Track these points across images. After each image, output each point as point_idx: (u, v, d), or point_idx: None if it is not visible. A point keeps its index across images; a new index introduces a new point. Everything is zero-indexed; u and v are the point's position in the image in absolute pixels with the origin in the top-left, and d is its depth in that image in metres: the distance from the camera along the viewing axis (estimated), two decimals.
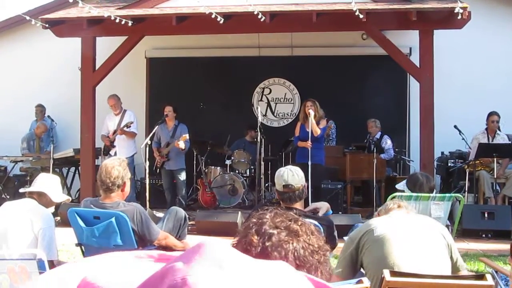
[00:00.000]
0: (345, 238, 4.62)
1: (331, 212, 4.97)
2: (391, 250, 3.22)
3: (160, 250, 5.01)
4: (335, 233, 4.53)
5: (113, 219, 4.63)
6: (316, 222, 4.26)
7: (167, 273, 1.17)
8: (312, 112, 9.22)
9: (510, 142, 10.40)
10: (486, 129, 10.42)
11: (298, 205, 4.47)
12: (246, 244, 1.71)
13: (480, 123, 10.53)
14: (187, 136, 10.17)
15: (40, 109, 12.48)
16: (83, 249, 5.02)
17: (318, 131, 9.29)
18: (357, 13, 8.70)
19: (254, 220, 1.80)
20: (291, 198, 4.42)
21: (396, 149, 11.16)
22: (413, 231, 3.33)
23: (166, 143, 10.51)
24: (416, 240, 3.28)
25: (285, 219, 1.80)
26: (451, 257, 3.33)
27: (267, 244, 1.70)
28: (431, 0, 9.82)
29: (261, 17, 9.01)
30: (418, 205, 4.76)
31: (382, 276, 2.88)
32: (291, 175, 4.41)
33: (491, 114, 10.37)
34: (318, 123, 9.41)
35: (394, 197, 4.90)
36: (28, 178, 10.87)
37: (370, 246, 3.35)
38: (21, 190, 5.29)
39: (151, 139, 9.97)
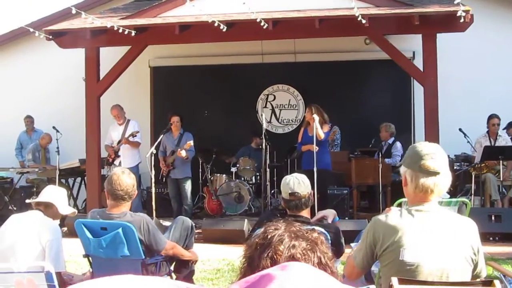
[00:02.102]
0: (352, 244, 4.62)
1: (337, 218, 4.97)
2: (414, 276, 2.95)
3: (168, 259, 5.05)
4: (342, 239, 4.53)
5: (120, 230, 4.62)
6: (323, 230, 4.26)
7: (262, 280, 1.33)
8: (316, 117, 9.21)
9: None
10: (488, 132, 10.41)
11: (305, 213, 4.48)
12: (272, 253, 1.74)
13: (485, 126, 10.53)
14: (191, 142, 10.16)
15: (30, 120, 12.57)
16: (91, 260, 5.02)
17: (322, 135, 9.28)
18: (359, 18, 8.69)
19: (271, 230, 1.82)
20: (297, 206, 4.42)
21: (402, 154, 11.13)
22: (444, 250, 2.97)
23: (172, 152, 10.51)
24: (445, 261, 3.01)
25: (301, 229, 1.82)
26: (474, 269, 3.11)
27: (292, 251, 1.74)
28: (433, 4, 9.83)
29: (264, 24, 9.03)
30: None
31: (390, 283, 2.84)
32: (297, 183, 4.41)
33: (491, 117, 10.39)
34: (321, 128, 9.42)
35: (400, 203, 4.86)
36: (35, 189, 10.91)
37: (393, 269, 3.01)
38: (28, 201, 5.30)
39: (157, 148, 9.97)
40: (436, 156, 3.05)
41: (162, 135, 10.24)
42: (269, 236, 1.79)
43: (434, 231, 3.00)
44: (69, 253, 5.81)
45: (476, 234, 3.10)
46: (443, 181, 3.05)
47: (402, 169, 3.16)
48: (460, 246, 3.02)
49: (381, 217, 3.10)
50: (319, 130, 9.22)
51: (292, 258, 1.73)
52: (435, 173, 3.02)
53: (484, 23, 11.29)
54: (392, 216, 3.09)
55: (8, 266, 4.15)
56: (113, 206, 4.78)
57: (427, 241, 2.97)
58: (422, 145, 3.13)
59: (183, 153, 10.11)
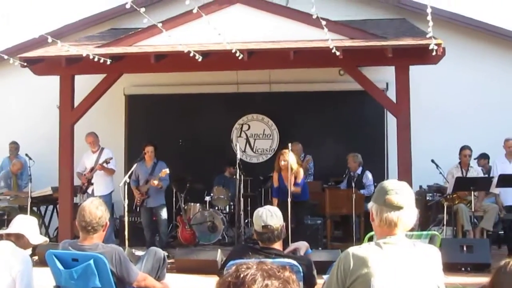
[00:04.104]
0: (325, 276, 4.63)
1: (310, 251, 4.99)
2: None
3: None
4: (314, 272, 4.54)
5: (91, 261, 4.58)
6: (295, 262, 4.27)
7: None
8: (294, 166, 9.28)
9: (484, 175, 10.52)
10: (460, 163, 10.54)
11: (277, 245, 4.48)
12: None
13: (457, 156, 10.65)
14: (167, 170, 10.20)
15: (15, 146, 12.39)
16: None
17: (298, 190, 9.41)
18: (333, 50, 8.79)
19: (243, 269, 1.83)
20: (270, 238, 4.43)
21: (375, 184, 11.19)
22: (412, 281, 2.98)
23: (145, 181, 10.47)
24: None
25: (272, 268, 1.83)
26: None
27: None
28: (406, 36, 10.00)
29: (239, 55, 9.09)
30: None
31: None
32: (270, 216, 4.42)
33: (463, 148, 10.51)
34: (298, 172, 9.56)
35: (371, 237, 4.88)
36: (6, 217, 10.72)
37: None
38: None
39: (130, 176, 9.91)
40: (400, 192, 3.11)
41: (135, 164, 10.20)
42: (241, 275, 1.79)
43: (402, 262, 3.04)
44: (40, 284, 5.72)
45: (440, 261, 3.16)
46: (407, 215, 3.10)
47: (370, 204, 3.24)
48: (427, 275, 3.07)
49: (350, 249, 3.14)
50: (295, 189, 9.31)
51: None
52: (398, 208, 3.08)
53: (457, 56, 11.57)
54: (361, 248, 3.14)
55: None
56: (84, 237, 4.75)
57: (396, 271, 3.01)
58: (389, 182, 3.21)
59: (155, 183, 10.13)
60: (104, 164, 10.62)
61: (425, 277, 3.04)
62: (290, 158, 9.32)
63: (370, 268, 2.99)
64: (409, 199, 3.13)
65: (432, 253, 3.18)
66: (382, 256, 3.04)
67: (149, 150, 10.52)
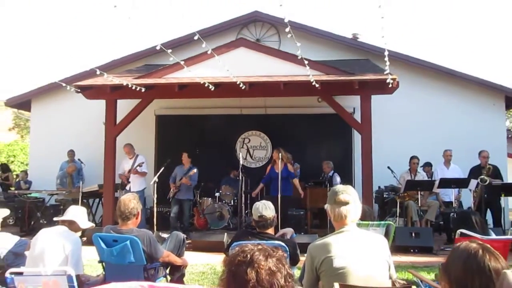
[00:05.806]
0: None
1: (295, 235, 4.95)
2: (348, 281, 2.92)
3: (164, 265, 4.95)
4: (298, 251, 4.51)
5: (128, 242, 4.54)
6: (283, 244, 4.24)
7: None
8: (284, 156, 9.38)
9: (428, 179, 10.48)
10: (409, 169, 10.51)
11: (270, 231, 4.46)
12: (256, 267, 1.77)
13: (408, 164, 10.63)
14: (195, 170, 10.34)
15: (71, 153, 12.40)
16: (104, 265, 4.90)
17: (292, 170, 9.71)
18: (313, 83, 8.80)
19: (248, 250, 1.84)
20: (264, 225, 4.42)
21: (342, 182, 11.12)
22: (365, 258, 2.96)
23: (180, 178, 10.57)
24: (368, 268, 2.94)
25: (267, 249, 1.84)
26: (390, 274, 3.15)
27: (270, 265, 1.78)
28: (369, 73, 9.99)
29: (242, 86, 9.09)
30: None
31: None
32: (265, 208, 4.41)
33: (412, 157, 10.53)
34: (286, 165, 9.48)
35: None
36: (62, 207, 10.69)
37: (329, 276, 2.96)
38: (55, 219, 5.18)
39: (159, 177, 9.85)
40: (345, 193, 3.17)
41: (163, 168, 10.12)
42: (248, 255, 1.80)
43: (355, 244, 3.04)
44: (87, 259, 5.67)
45: (387, 246, 3.15)
46: (353, 209, 3.14)
47: (326, 206, 3.27)
48: (377, 254, 3.05)
49: (313, 243, 3.15)
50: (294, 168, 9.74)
51: (270, 269, 1.76)
52: (345, 203, 3.12)
53: (410, 87, 11.65)
54: (318, 240, 3.15)
55: (37, 270, 4.04)
56: (121, 223, 4.71)
57: (351, 250, 3.00)
58: (337, 187, 3.27)
59: (185, 180, 10.34)
60: (138, 168, 10.65)
61: (375, 254, 3.01)
62: (282, 152, 9.52)
63: (330, 251, 2.99)
64: (354, 197, 3.17)
65: (379, 238, 3.17)
66: (339, 240, 3.05)
67: (185, 156, 10.70)
